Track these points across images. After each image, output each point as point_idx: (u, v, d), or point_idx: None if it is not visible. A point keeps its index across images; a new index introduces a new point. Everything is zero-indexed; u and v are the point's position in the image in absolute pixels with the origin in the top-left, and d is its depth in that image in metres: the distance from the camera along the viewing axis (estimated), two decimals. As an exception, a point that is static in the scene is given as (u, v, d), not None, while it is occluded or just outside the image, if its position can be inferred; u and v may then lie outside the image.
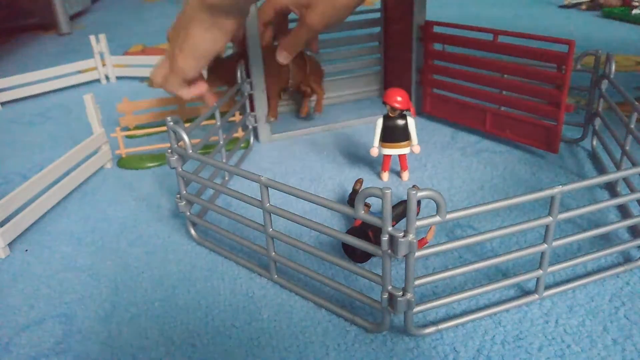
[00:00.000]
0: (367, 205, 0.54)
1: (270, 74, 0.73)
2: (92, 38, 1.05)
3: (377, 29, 0.86)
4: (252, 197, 0.45)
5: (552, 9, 1.52)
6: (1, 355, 0.43)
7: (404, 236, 0.36)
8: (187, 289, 0.49)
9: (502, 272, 0.48)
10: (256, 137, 0.76)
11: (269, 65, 0.71)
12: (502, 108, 0.71)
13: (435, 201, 0.36)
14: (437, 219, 0.37)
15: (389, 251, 0.37)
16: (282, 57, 0.64)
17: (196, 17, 0.53)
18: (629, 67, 0.99)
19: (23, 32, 1.57)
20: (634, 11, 1.33)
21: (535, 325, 0.42)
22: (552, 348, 0.40)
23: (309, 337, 0.43)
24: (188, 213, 0.53)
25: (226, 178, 0.65)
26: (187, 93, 0.61)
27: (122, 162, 0.73)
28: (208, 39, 0.54)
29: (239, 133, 0.74)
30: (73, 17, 1.67)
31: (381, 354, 0.41)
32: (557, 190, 0.39)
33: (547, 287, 0.45)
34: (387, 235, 0.36)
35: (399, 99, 0.60)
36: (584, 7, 1.49)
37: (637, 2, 1.39)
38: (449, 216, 0.37)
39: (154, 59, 1.06)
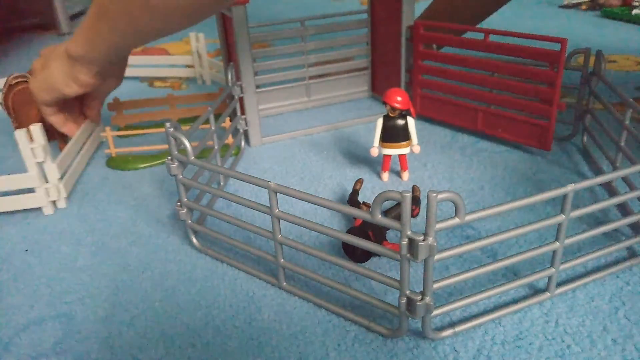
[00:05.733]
0: (367, 205, 0.54)
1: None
2: (92, 38, 1.05)
3: (364, 30, 0.87)
4: (259, 204, 0.44)
5: (552, 9, 1.52)
6: (1, 355, 0.43)
7: (423, 240, 0.35)
8: (187, 289, 0.49)
9: (511, 272, 0.48)
10: (247, 141, 0.76)
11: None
12: (493, 107, 0.71)
13: (454, 203, 0.36)
14: (456, 220, 0.36)
15: (408, 255, 0.37)
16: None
17: (59, 59, 0.62)
18: (629, 67, 0.99)
19: (23, 32, 1.57)
20: (634, 11, 1.33)
21: (535, 325, 0.42)
22: (552, 348, 0.40)
23: (309, 337, 0.43)
24: (189, 221, 0.52)
25: (221, 183, 0.65)
26: (54, 119, 0.69)
27: (111, 162, 0.73)
28: (60, 81, 0.63)
29: (229, 140, 0.73)
30: (73, 17, 1.67)
31: (381, 354, 0.41)
32: (570, 188, 0.39)
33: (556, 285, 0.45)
34: (407, 239, 0.36)
35: (399, 99, 0.60)
36: (584, 7, 1.49)
37: (637, 2, 1.39)
38: (467, 217, 0.37)
39: (154, 59, 1.06)
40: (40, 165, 0.60)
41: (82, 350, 0.43)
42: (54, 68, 0.63)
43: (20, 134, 0.58)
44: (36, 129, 0.59)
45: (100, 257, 0.54)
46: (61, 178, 0.62)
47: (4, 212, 0.62)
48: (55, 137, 0.78)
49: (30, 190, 0.61)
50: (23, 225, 0.60)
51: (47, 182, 0.61)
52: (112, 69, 0.65)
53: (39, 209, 0.63)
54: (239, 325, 0.44)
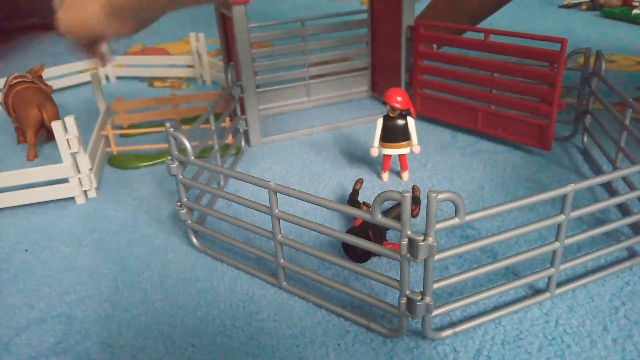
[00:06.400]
0: (367, 205, 0.54)
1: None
2: (92, 38, 1.05)
3: (364, 30, 0.87)
4: (259, 204, 0.44)
5: (552, 9, 1.52)
6: (1, 355, 0.43)
7: (423, 240, 0.35)
8: (187, 289, 0.49)
9: (511, 272, 0.48)
10: (247, 141, 0.76)
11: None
12: (493, 107, 0.71)
13: (454, 203, 0.36)
14: (457, 220, 0.36)
15: (408, 255, 0.37)
16: None
17: None
18: (629, 67, 0.99)
19: (23, 32, 1.57)
20: (634, 11, 1.33)
21: (535, 325, 0.42)
22: (552, 348, 0.40)
23: (309, 337, 0.43)
24: (189, 221, 0.52)
25: (221, 183, 0.65)
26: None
27: (112, 161, 0.73)
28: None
29: (229, 140, 0.73)
30: (73, 17, 1.67)
31: (381, 354, 0.41)
32: (570, 188, 0.39)
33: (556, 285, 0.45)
34: (407, 239, 0.36)
35: (399, 99, 0.60)
36: (584, 7, 1.49)
37: (637, 2, 1.39)
38: (467, 217, 0.37)
39: (154, 59, 1.06)
40: (73, 155, 0.62)
41: (82, 350, 0.43)
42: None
43: (56, 126, 0.60)
44: (70, 120, 0.60)
45: (100, 257, 0.54)
46: (91, 169, 0.65)
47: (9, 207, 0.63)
48: (51, 138, 0.78)
49: (63, 181, 0.63)
50: (22, 223, 0.61)
51: (79, 172, 0.63)
52: None
53: (41, 204, 0.63)
54: (239, 325, 0.44)
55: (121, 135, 0.80)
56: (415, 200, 0.55)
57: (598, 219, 0.55)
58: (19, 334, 0.45)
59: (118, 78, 1.09)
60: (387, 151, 0.63)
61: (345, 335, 0.43)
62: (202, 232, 0.53)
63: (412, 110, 0.62)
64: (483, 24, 0.90)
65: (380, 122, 0.62)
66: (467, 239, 0.53)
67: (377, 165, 0.68)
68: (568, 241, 0.42)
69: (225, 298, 0.47)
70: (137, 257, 0.54)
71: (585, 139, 0.68)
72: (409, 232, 0.36)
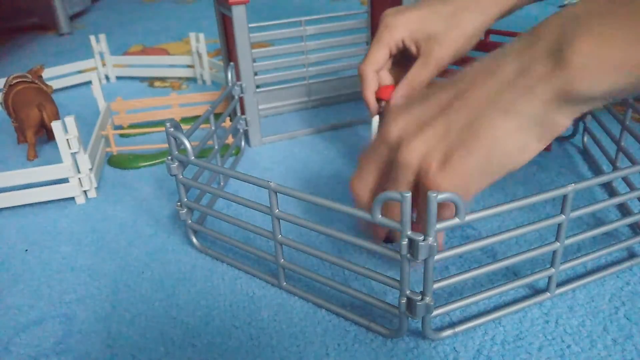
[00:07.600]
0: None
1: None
2: (92, 38, 1.05)
3: (365, 31, 0.87)
4: (259, 204, 0.44)
5: (552, 9, 1.52)
6: (1, 355, 0.43)
7: (423, 240, 0.35)
8: (187, 289, 0.49)
9: (511, 272, 0.48)
10: (247, 141, 0.76)
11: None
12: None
13: (454, 203, 0.36)
14: (457, 221, 0.36)
15: (408, 255, 0.37)
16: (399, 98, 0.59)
17: (516, 109, 0.37)
18: (629, 67, 0.99)
19: (23, 32, 1.57)
20: (634, 11, 1.33)
21: (535, 325, 0.42)
22: (552, 348, 0.40)
23: (309, 337, 0.43)
24: (189, 221, 0.52)
25: (221, 183, 0.65)
26: None
27: (112, 161, 0.73)
28: (516, 146, 0.39)
29: (229, 140, 0.73)
30: (73, 17, 1.67)
31: (381, 354, 0.41)
32: (570, 188, 0.39)
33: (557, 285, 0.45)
34: (407, 239, 0.36)
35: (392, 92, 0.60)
36: (584, 7, 1.49)
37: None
38: (467, 217, 0.37)
39: (154, 59, 1.06)
40: (73, 155, 0.62)
41: (82, 350, 0.43)
42: (500, 126, 0.37)
43: (56, 126, 0.59)
44: (70, 120, 0.60)
45: (100, 257, 0.54)
46: (91, 169, 0.64)
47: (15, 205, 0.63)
48: (51, 138, 0.78)
49: (63, 181, 0.63)
50: (22, 223, 0.61)
51: (79, 172, 0.63)
52: None
53: (41, 204, 0.63)
54: (239, 325, 0.44)
55: (121, 135, 0.80)
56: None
57: (598, 219, 0.55)
58: (19, 334, 0.45)
59: (118, 78, 1.09)
60: (387, 151, 0.63)
61: (345, 335, 0.43)
62: (202, 232, 0.53)
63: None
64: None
65: (376, 120, 0.62)
66: (467, 239, 0.53)
67: (377, 165, 0.68)
68: (568, 241, 0.42)
69: (225, 298, 0.47)
70: (137, 257, 0.54)
71: (585, 139, 0.68)
72: (409, 232, 0.36)
